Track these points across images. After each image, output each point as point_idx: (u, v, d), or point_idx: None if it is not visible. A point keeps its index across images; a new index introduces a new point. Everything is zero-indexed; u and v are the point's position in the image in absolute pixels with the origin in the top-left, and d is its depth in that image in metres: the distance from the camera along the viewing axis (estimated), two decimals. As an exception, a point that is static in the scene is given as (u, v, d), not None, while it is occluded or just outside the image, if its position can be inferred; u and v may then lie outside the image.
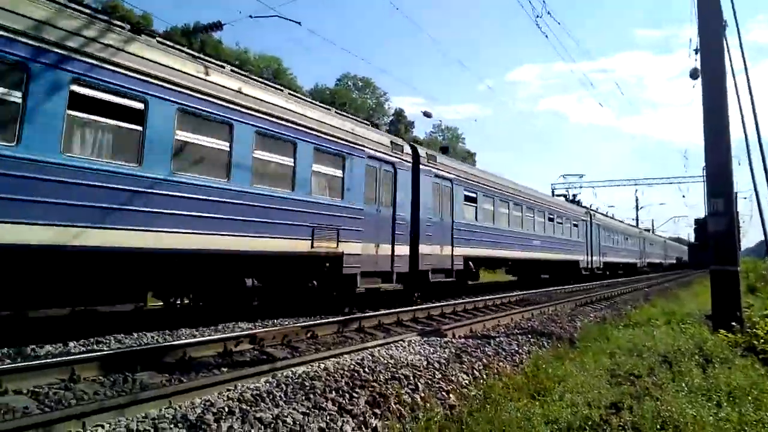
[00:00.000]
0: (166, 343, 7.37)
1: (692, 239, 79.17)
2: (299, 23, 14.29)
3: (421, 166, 15.37)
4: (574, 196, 39.40)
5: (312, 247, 11.17)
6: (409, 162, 15.00)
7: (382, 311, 12.57)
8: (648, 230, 70.49)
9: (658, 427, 4.92)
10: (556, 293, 21.80)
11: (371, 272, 13.04)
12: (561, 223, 27.80)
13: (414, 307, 13.29)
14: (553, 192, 41.36)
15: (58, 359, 5.94)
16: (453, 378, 6.24)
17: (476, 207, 18.83)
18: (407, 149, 15.15)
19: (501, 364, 7.31)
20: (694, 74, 12.06)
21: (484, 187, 19.60)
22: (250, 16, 15.95)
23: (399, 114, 72.41)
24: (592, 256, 32.50)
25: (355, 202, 12.60)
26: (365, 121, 14.46)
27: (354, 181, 12.63)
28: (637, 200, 74.19)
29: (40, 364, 5.67)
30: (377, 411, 4.94)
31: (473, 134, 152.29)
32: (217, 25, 18.17)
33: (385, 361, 6.66)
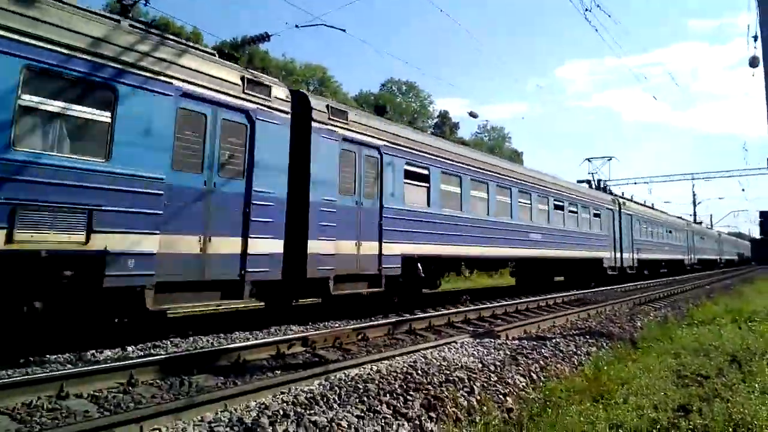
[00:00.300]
0: (220, 347, 7.47)
1: (754, 234, 75.00)
2: (344, 30, 14.26)
3: (314, 124, 10.64)
4: (599, 181, 32.69)
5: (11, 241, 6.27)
6: (286, 114, 10.01)
7: (432, 312, 12.44)
8: (699, 222, 63.79)
9: (731, 430, 4.63)
10: (614, 293, 21.10)
11: (183, 283, 8.11)
12: (574, 212, 22.46)
13: (464, 308, 13.07)
14: (589, 183, 32.29)
15: (117, 363, 6.08)
16: (509, 380, 6.05)
17: (428, 187, 13.76)
18: (280, 93, 10.05)
19: (559, 366, 7.05)
20: (753, 62, 11.48)
21: (443, 161, 14.43)
22: (296, 26, 16.11)
23: (444, 116, 71.92)
24: (621, 252, 26.56)
25: (140, 168, 7.62)
26: (185, 42, 9.19)
27: (142, 132, 7.72)
28: (694, 195, 70.93)
29: (99, 368, 5.81)
30: (433, 414, 4.82)
31: (523, 134, 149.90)
32: (264, 37, 18.45)
33: (438, 363, 6.53)
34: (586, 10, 14.08)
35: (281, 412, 4.48)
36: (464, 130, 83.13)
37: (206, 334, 8.98)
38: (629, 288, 23.96)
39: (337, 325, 10.53)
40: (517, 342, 8.31)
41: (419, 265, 13.00)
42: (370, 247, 11.65)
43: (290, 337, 8.34)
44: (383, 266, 11.80)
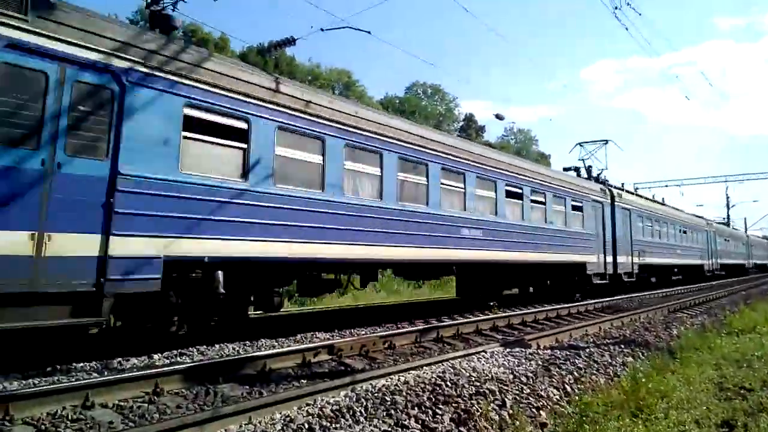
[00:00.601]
0: (246, 355, 7.39)
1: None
2: (369, 32, 14.16)
3: None
4: (589, 168, 25.58)
5: None
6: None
7: (460, 320, 12.18)
8: (725, 223, 56.64)
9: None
10: (648, 299, 20.54)
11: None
12: (540, 203, 16.84)
13: (492, 315, 12.80)
14: (577, 171, 25.16)
15: (142, 372, 6.03)
16: (543, 393, 5.82)
17: (246, 149, 8.63)
18: None
19: (594, 377, 6.79)
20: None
21: (279, 110, 9.18)
22: (321, 29, 16.04)
23: (469, 119, 71.55)
24: (614, 255, 21.04)
25: None
26: None
27: None
28: (727, 198, 68.42)
29: (125, 377, 5.77)
30: (463, 430, 4.63)
31: (549, 137, 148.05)
32: (290, 41, 18.47)
33: (468, 374, 6.34)
34: (616, 8, 13.79)
35: (306, 426, 4.35)
36: (491, 132, 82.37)
37: (232, 341, 8.93)
38: (666, 294, 23.25)
39: (363, 332, 10.41)
40: (549, 351, 8.05)
41: (219, 274, 8.19)
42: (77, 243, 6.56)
43: (316, 345, 8.23)
44: (110, 277, 6.72)
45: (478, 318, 12.29)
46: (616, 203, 22.12)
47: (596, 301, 18.10)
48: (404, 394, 5.38)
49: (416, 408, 4.98)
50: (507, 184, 15.18)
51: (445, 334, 10.42)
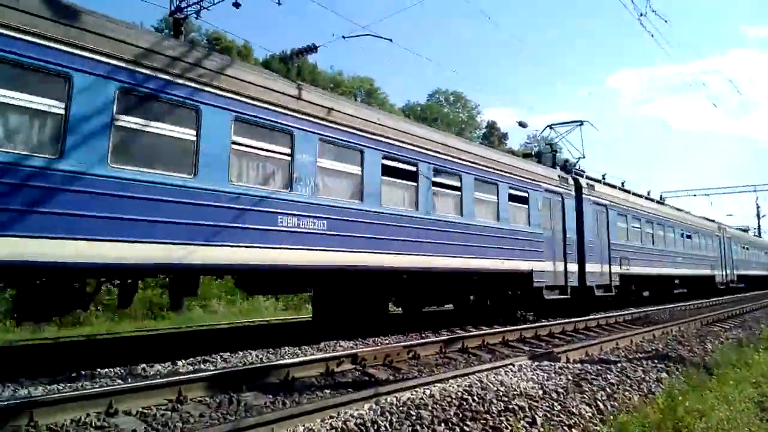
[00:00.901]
0: (269, 363, 7.31)
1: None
2: (390, 40, 14.11)
3: None
4: (554, 153, 19.97)
5: None
6: None
7: (486, 330, 11.91)
8: (746, 229, 49.25)
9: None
10: (679, 311, 19.97)
11: None
12: (453, 189, 12.43)
13: (520, 326, 12.53)
14: (538, 157, 20.31)
15: (166, 380, 5.99)
16: (575, 410, 5.60)
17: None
18: None
19: (627, 393, 6.53)
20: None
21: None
22: (343, 37, 16.06)
23: (491, 126, 71.16)
24: (581, 263, 16.61)
25: None
26: None
27: None
28: (758, 207, 66.05)
29: (149, 384, 5.74)
30: (492, 448, 4.46)
31: (575, 144, 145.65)
32: (312, 48, 18.55)
33: (496, 389, 6.16)
34: (641, 14, 13.51)
35: (330, 440, 4.24)
36: (513, 140, 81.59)
37: (255, 348, 8.87)
38: (699, 305, 22.50)
39: (386, 341, 10.27)
40: (579, 366, 7.80)
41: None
42: None
43: (339, 354, 8.12)
44: None
45: (505, 329, 12.04)
46: (584, 196, 17.31)
47: (625, 312, 17.58)
48: (430, 408, 5.22)
49: (443, 424, 4.83)
50: (387, 156, 10.84)
51: (471, 345, 10.22)
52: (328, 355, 8.01)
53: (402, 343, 9.45)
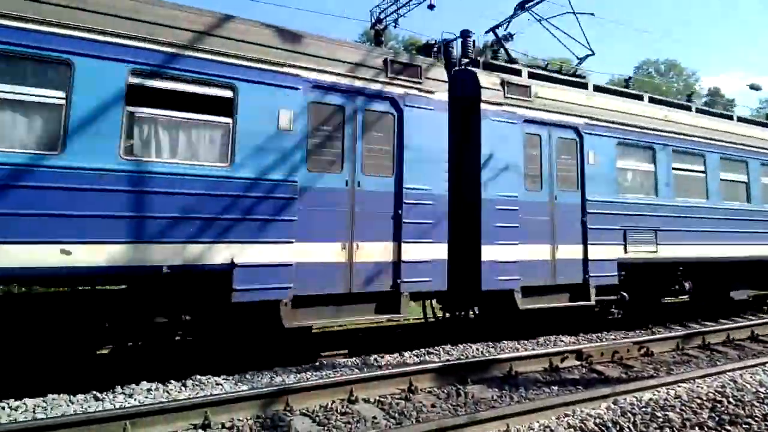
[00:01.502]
0: (491, 356, 7.31)
1: None
2: (592, 14, 13.17)
3: None
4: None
5: None
6: None
7: (729, 324, 10.42)
8: None
9: None
10: None
11: None
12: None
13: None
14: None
15: (397, 370, 6.34)
16: None
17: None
18: None
19: None
20: None
21: None
22: (541, 20, 15.38)
23: (714, 93, 62.34)
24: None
25: None
26: None
27: None
28: None
29: (383, 374, 6.13)
30: (764, 460, 3.87)
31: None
32: (508, 37, 18.17)
33: (754, 390, 5.37)
34: None
35: (570, 439, 4.07)
36: (742, 107, 69.88)
37: (475, 341, 8.95)
38: None
39: (612, 336, 9.59)
40: None
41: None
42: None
43: (562, 349, 7.79)
44: None
45: (753, 322, 10.43)
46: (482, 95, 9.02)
47: None
48: (678, 410, 4.74)
49: (696, 428, 4.33)
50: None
51: (712, 341, 9.05)
52: (551, 350, 7.74)
53: (631, 339, 8.73)
